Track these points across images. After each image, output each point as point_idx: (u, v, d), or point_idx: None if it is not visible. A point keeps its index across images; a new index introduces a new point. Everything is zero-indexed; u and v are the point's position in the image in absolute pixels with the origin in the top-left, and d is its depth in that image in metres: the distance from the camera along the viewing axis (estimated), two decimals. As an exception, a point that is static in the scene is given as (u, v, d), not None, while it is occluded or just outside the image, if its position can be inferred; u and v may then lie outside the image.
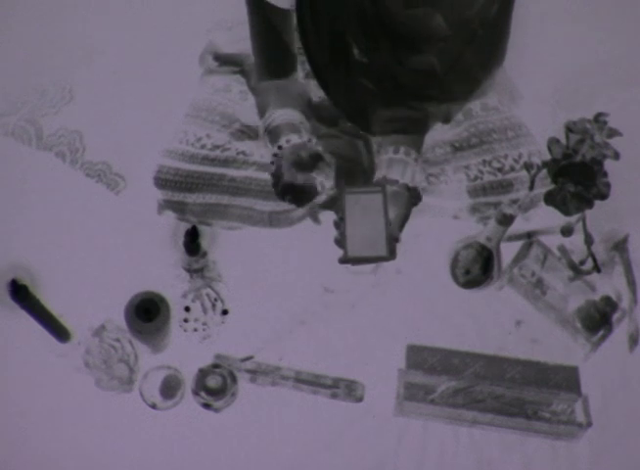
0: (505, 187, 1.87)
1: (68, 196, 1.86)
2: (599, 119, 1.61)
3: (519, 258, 1.83)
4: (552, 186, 1.61)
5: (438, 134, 1.95)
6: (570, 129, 1.57)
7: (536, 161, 1.75)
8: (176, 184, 1.82)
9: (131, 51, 1.99)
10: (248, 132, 1.91)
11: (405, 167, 1.75)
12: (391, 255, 1.64)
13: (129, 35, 2.00)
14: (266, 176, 1.81)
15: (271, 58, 1.78)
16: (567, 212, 1.61)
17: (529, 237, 1.83)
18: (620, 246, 1.79)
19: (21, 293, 1.51)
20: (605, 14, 2.02)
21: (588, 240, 1.65)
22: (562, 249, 1.76)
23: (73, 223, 1.84)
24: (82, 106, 1.94)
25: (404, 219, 1.72)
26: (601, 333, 1.78)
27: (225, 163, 1.86)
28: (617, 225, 1.82)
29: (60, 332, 1.66)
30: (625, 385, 1.77)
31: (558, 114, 1.89)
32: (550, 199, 1.61)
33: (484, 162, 1.90)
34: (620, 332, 1.82)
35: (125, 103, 1.94)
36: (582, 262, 1.70)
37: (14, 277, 1.52)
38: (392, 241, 1.65)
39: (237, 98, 1.95)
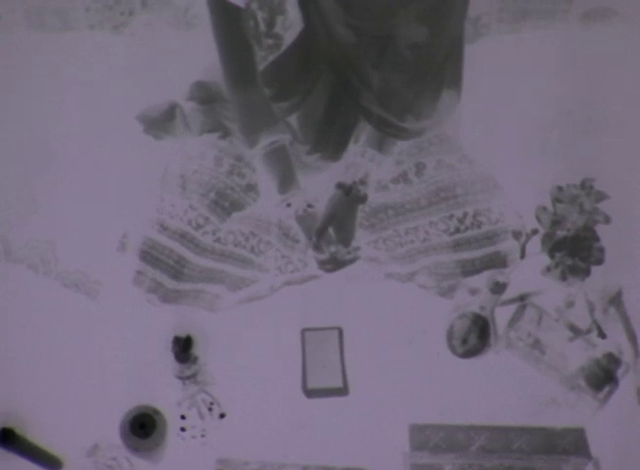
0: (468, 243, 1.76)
1: (48, 311, 1.80)
2: (585, 185, 1.52)
3: (514, 322, 1.73)
4: (549, 261, 1.51)
5: (389, 196, 1.88)
6: (558, 200, 1.47)
7: (524, 229, 1.63)
8: (165, 266, 1.75)
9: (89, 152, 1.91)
10: (222, 203, 1.77)
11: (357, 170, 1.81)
12: (346, 387, 1.80)
13: (87, 135, 1.90)
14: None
15: (239, 64, 1.71)
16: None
17: (522, 300, 1.71)
18: (616, 300, 1.69)
19: (8, 438, 1.39)
20: (564, 67, 1.95)
21: (591, 308, 1.55)
22: (559, 310, 1.65)
23: (54, 340, 1.78)
24: (49, 214, 1.87)
25: (329, 217, 1.79)
26: (607, 389, 1.72)
27: (225, 257, 1.81)
28: (609, 280, 1.70)
29: (51, 463, 1.63)
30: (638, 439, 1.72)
31: (529, 164, 1.77)
32: (549, 274, 1.51)
33: (431, 223, 1.81)
34: (624, 386, 1.77)
35: (91, 206, 1.88)
36: (589, 331, 1.60)
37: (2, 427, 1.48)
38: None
39: (212, 165, 1.83)
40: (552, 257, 1.57)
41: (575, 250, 1.55)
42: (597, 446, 1.72)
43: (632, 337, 1.78)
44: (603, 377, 1.74)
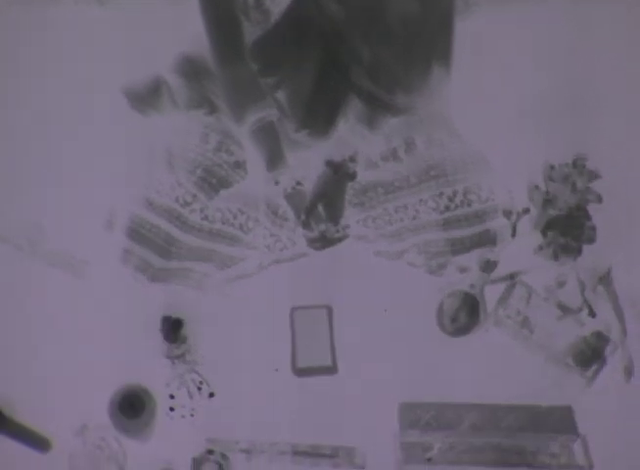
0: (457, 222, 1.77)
1: (35, 291, 1.77)
2: (577, 164, 1.50)
3: (503, 300, 1.73)
4: (541, 240, 1.50)
5: (379, 174, 1.86)
6: (550, 178, 1.45)
7: (515, 208, 1.61)
8: (153, 244, 1.73)
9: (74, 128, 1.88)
10: (209, 180, 1.76)
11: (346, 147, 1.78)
12: (335, 366, 1.78)
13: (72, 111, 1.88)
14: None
15: (226, 39, 1.69)
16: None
17: (512, 278, 1.70)
18: (605, 279, 1.68)
19: None
20: (556, 43, 1.95)
21: (582, 287, 1.54)
22: (548, 289, 1.64)
23: (41, 320, 1.75)
24: (34, 193, 1.83)
25: (319, 195, 1.77)
26: (594, 367, 1.76)
27: (213, 235, 1.79)
28: (598, 259, 1.69)
29: (39, 443, 1.60)
30: (626, 417, 1.73)
31: (521, 141, 1.80)
32: (541, 252, 1.49)
33: (421, 201, 1.80)
34: (612, 365, 1.78)
35: (77, 183, 1.84)
36: (579, 310, 1.59)
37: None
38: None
39: (198, 141, 1.82)
40: (545, 235, 1.55)
41: (568, 229, 1.53)
42: (585, 423, 1.72)
43: (620, 315, 1.77)
44: (591, 355, 1.75)
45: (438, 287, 1.80)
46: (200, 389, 1.69)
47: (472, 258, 1.76)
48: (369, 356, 1.77)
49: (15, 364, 1.69)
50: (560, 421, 1.72)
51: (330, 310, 1.84)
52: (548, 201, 1.57)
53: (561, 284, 1.65)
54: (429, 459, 1.67)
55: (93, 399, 1.61)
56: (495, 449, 1.69)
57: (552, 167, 1.58)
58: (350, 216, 1.86)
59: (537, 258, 1.60)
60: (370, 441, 1.68)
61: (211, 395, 1.70)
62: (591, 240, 1.57)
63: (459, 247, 1.77)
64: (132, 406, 1.59)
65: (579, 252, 1.56)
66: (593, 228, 1.57)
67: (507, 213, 1.64)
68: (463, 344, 1.78)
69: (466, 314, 1.76)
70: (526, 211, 1.61)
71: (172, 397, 1.68)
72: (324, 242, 1.80)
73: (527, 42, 1.93)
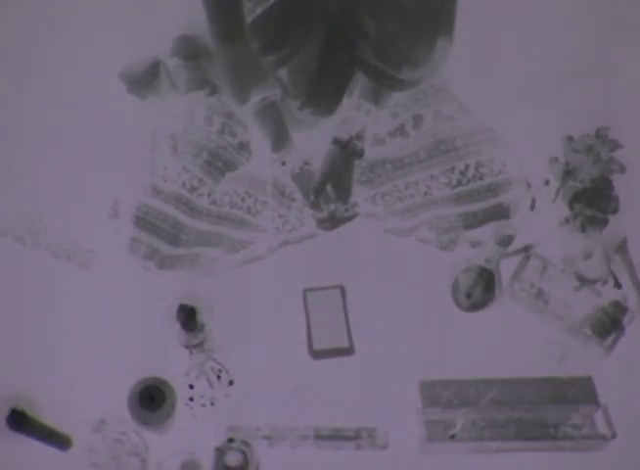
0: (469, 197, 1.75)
1: (42, 285, 1.72)
2: (600, 134, 1.46)
3: (517, 273, 1.71)
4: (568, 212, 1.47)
5: (386, 150, 1.83)
6: (573, 150, 1.41)
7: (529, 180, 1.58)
8: (161, 231, 1.69)
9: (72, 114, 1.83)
10: (215, 164, 1.74)
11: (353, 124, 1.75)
12: (352, 347, 1.74)
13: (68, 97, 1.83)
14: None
15: (226, 17, 1.64)
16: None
17: (527, 251, 1.68)
18: (622, 249, 1.65)
19: (20, 420, 1.45)
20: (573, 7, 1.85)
21: (608, 260, 1.51)
22: (568, 260, 1.61)
23: (51, 315, 1.70)
24: (33, 183, 1.77)
25: (327, 174, 1.75)
26: (612, 337, 1.74)
27: (222, 219, 1.75)
28: (614, 228, 1.67)
29: (60, 441, 1.57)
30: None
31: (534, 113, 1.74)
32: (567, 225, 1.47)
33: (432, 176, 1.77)
34: (630, 333, 1.75)
35: (78, 172, 1.79)
36: (599, 280, 1.57)
37: (13, 407, 1.45)
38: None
39: (202, 124, 1.78)
40: (571, 208, 1.52)
41: (595, 200, 1.50)
42: (605, 393, 1.70)
43: (637, 284, 1.76)
44: (609, 325, 1.73)
45: (452, 262, 1.77)
46: (219, 377, 1.65)
47: (483, 233, 1.72)
48: (385, 335, 1.74)
49: (29, 363, 1.64)
50: (581, 392, 1.71)
51: (343, 291, 1.80)
52: (568, 172, 1.54)
53: (587, 256, 1.62)
54: (452, 436, 1.65)
55: (110, 394, 1.57)
56: (517, 423, 1.67)
57: (570, 139, 1.54)
58: (359, 194, 1.82)
59: (562, 231, 1.57)
60: (392, 420, 1.65)
61: (231, 382, 1.66)
62: (615, 211, 1.55)
63: (471, 221, 1.74)
64: (152, 399, 1.56)
65: (605, 223, 1.53)
66: (616, 199, 1.55)
67: (525, 186, 1.61)
68: (479, 319, 1.76)
69: (482, 289, 1.73)
70: (547, 183, 1.58)
71: (192, 386, 1.64)
72: (334, 222, 1.76)
73: (543, 7, 1.87)
